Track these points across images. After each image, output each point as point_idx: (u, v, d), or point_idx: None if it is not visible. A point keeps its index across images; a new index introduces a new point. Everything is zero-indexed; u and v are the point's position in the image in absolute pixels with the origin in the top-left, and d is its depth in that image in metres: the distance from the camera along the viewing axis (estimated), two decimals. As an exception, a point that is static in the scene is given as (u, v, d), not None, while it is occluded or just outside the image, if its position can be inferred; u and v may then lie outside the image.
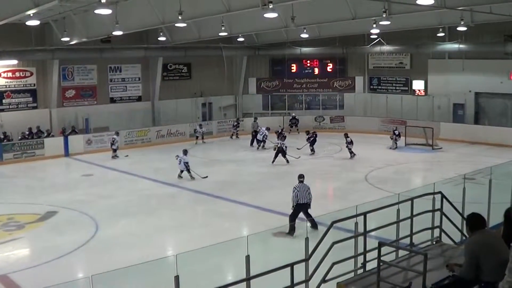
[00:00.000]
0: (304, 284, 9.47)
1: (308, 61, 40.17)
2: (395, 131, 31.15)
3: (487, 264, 6.70)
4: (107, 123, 33.37)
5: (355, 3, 23.08)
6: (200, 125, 34.62)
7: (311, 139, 29.61)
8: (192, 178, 23.54)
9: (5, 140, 28.86)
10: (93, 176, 25.36)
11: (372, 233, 10.90)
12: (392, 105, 37.29)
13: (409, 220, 11.01)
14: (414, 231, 11.05)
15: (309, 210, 15.79)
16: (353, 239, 10.73)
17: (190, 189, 22.35)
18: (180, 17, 20.24)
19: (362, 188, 21.92)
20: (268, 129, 31.81)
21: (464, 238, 11.32)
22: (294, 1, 21.06)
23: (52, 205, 19.71)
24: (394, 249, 10.33)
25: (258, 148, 31.39)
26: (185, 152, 23.90)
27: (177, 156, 23.88)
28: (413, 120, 34.11)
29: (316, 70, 40.26)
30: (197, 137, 34.09)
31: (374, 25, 25.07)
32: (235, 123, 36.12)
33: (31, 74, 31.17)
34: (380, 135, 34.37)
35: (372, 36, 34.24)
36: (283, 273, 8.92)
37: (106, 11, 18.89)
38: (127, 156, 29.45)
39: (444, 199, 11.32)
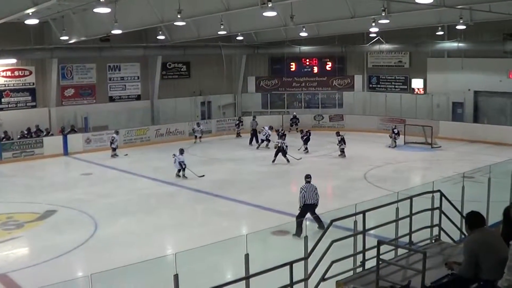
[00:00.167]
0: (303, 283, 9.48)
1: (307, 60, 40.17)
2: (394, 130, 31.15)
3: (486, 263, 6.70)
4: (106, 122, 33.36)
5: (354, 1, 23.09)
6: (198, 124, 34.57)
7: (305, 137, 29.77)
8: (185, 177, 23.52)
9: (4, 139, 28.82)
10: (92, 175, 25.36)
11: (371, 232, 10.90)
12: (391, 104, 37.28)
13: (408, 219, 11.00)
14: (413, 229, 11.06)
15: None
16: (352, 238, 10.74)
17: (189, 188, 22.35)
18: (179, 16, 20.23)
19: (361, 186, 21.93)
20: (271, 128, 31.77)
21: (463, 236, 11.32)
22: (293, 0, 21.07)
23: (51, 204, 19.71)
24: (393, 247, 10.32)
25: (258, 147, 31.34)
26: (182, 151, 23.89)
27: (174, 155, 23.88)
28: (412, 118, 34.09)
29: (315, 69, 40.27)
30: (195, 136, 34.06)
31: (373, 24, 25.10)
32: (238, 122, 36.04)
33: (30, 73, 31.16)
34: (379, 133, 34.38)
35: (371, 35, 34.26)
36: (282, 272, 8.92)
37: (105, 10, 18.88)
38: (126, 155, 29.47)
39: (443, 198, 11.31)
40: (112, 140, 29.36)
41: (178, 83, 37.64)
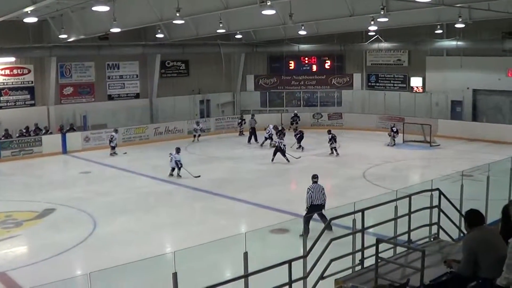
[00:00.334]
0: (302, 281, 9.48)
1: (306, 58, 40.16)
2: (393, 128, 31.16)
3: (485, 261, 6.70)
4: (105, 120, 33.34)
5: (353, 0, 23.09)
6: (198, 122, 34.53)
7: (298, 136, 30.00)
8: (179, 176, 23.50)
9: (2, 138, 28.80)
10: (91, 174, 25.35)
11: (370, 230, 10.91)
12: (390, 102, 37.29)
13: (407, 217, 11.02)
14: (412, 227, 11.07)
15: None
16: (351, 236, 10.75)
17: (188, 186, 22.35)
18: (178, 14, 20.20)
19: (360, 185, 21.94)
20: (275, 127, 31.79)
21: (461, 235, 11.34)
22: (292, -2, 21.11)
23: (50, 203, 19.70)
24: (392, 245, 10.32)
25: (262, 145, 31.30)
26: (178, 150, 23.85)
27: (170, 154, 23.86)
28: (411, 117, 34.10)
29: (314, 67, 40.27)
30: (194, 136, 33.96)
31: (372, 22, 25.07)
32: (240, 120, 35.98)
33: (29, 71, 31.13)
34: (378, 132, 34.40)
35: (370, 33, 34.24)
36: (281, 270, 8.92)
37: (104, 8, 18.92)
38: (125, 153, 29.47)
39: (442, 196, 11.33)
40: (111, 138, 29.35)
41: (177, 81, 37.62)
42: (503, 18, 25.41)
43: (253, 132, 32.80)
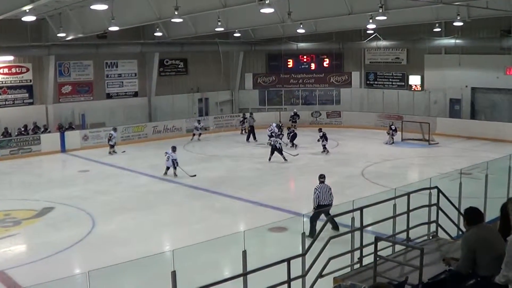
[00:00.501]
0: (300, 279, 9.48)
1: (305, 57, 40.15)
2: (392, 126, 31.19)
3: (483, 259, 6.71)
4: (103, 119, 33.33)
5: (351, -2, 23.12)
6: (199, 121, 34.47)
7: (291, 134, 30.18)
8: (175, 175, 23.45)
9: (1, 137, 28.78)
10: (89, 172, 25.33)
11: (369, 228, 10.92)
12: (388, 100, 37.27)
13: (405, 215, 11.03)
14: (410, 226, 11.08)
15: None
16: (349, 234, 10.76)
17: (187, 184, 22.35)
18: (176, 13, 20.17)
19: (359, 183, 21.97)
20: (278, 126, 31.78)
21: (460, 233, 11.36)
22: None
23: (48, 201, 19.71)
24: (390, 244, 10.34)
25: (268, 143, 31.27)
26: (174, 149, 23.78)
27: (166, 153, 23.82)
28: (410, 115, 34.14)
29: (313, 66, 40.26)
30: (194, 134, 33.84)
31: (371, 20, 25.09)
32: (242, 119, 35.92)
33: (27, 70, 31.09)
34: (377, 130, 34.39)
35: (368, 31, 34.29)
36: (280, 268, 8.93)
37: (102, 7, 18.88)
38: (124, 152, 29.47)
39: (440, 194, 11.34)
40: (110, 137, 29.36)
41: (175, 80, 37.60)
42: (502, 16, 25.44)
43: (251, 131, 32.80)
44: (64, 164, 28.53)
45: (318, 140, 28.21)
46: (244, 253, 9.04)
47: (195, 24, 29.34)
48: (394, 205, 11.17)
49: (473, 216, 7.09)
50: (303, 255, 9.69)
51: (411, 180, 21.58)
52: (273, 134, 30.38)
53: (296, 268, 9.33)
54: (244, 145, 31.78)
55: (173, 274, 8.17)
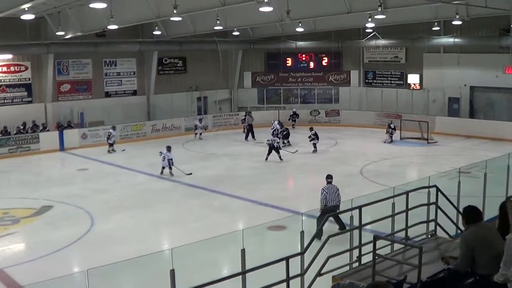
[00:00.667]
0: (299, 278, 9.49)
1: (303, 55, 40.13)
2: (391, 125, 31.19)
3: (482, 257, 6.72)
4: (102, 117, 33.29)
5: (350, -3, 23.12)
6: (200, 120, 34.38)
7: (284, 132, 30.18)
8: (172, 174, 23.39)
9: (0, 135, 28.80)
10: (88, 171, 25.32)
11: (367, 227, 10.93)
12: (387, 99, 37.28)
13: (404, 214, 11.03)
14: (409, 224, 11.08)
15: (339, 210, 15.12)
16: (348, 233, 10.76)
17: (185, 183, 22.34)
18: (175, 11, 20.16)
19: (357, 181, 21.97)
20: (280, 123, 31.66)
21: (459, 231, 11.36)
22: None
23: (47, 200, 19.70)
24: (389, 242, 10.35)
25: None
26: (169, 148, 23.68)
27: (161, 152, 23.76)
28: (408, 114, 34.15)
29: (311, 64, 40.24)
30: (196, 133, 33.77)
31: (370, 19, 25.09)
32: (244, 117, 35.81)
33: (26, 68, 31.06)
34: (376, 129, 34.41)
35: (367, 30, 34.29)
36: (279, 267, 8.94)
37: (101, 5, 18.85)
38: (124, 150, 29.45)
39: (439, 193, 11.34)
40: (109, 135, 29.35)
41: (174, 78, 37.57)
42: (500, 15, 25.40)
43: (250, 129, 32.79)
44: (63, 163, 28.51)
45: (310, 139, 28.09)
46: (243, 251, 9.04)
47: (194, 23, 29.33)
48: (393, 204, 11.18)
49: (471, 214, 7.09)
50: (301, 253, 9.68)
51: (410, 178, 21.57)
52: (275, 132, 30.34)
53: (295, 266, 9.33)
54: (242, 144, 31.77)
55: (172, 272, 8.18)
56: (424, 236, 11.05)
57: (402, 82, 37.34)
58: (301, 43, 37.80)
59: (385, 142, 30.85)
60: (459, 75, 33.67)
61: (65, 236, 15.71)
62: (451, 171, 17.08)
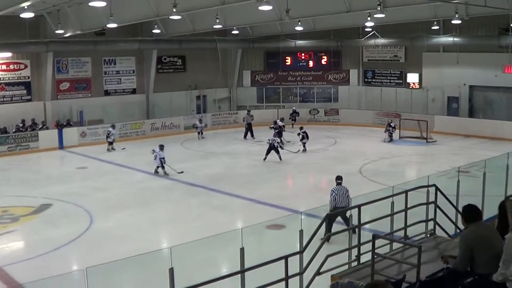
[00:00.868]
0: (298, 277, 9.50)
1: (303, 54, 40.12)
2: (391, 124, 31.19)
3: (481, 257, 6.72)
4: (101, 115, 33.32)
5: (349, -4, 23.12)
6: (200, 120, 34.29)
7: (277, 131, 29.79)
8: (166, 174, 23.36)
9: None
10: (87, 169, 25.31)
11: (366, 226, 10.94)
12: (386, 98, 37.29)
13: (403, 213, 11.03)
14: (408, 223, 11.08)
15: (346, 214, 14.92)
16: (347, 232, 10.76)
17: (184, 182, 22.33)
18: (174, 10, 20.18)
19: (356, 181, 21.89)
20: (282, 119, 31.53)
21: (458, 231, 11.37)
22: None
23: (46, 198, 19.69)
24: (388, 241, 10.36)
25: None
26: (162, 147, 23.59)
27: (153, 151, 23.67)
28: (408, 113, 34.15)
29: (311, 63, 40.23)
30: (198, 133, 33.53)
31: (369, 18, 25.09)
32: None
33: (25, 66, 31.05)
34: (375, 128, 34.40)
35: (366, 29, 34.27)
36: (278, 266, 8.94)
37: (101, 4, 18.85)
38: (123, 148, 29.43)
39: (438, 192, 11.34)
40: (108, 134, 29.34)
41: (173, 77, 37.56)
42: (500, 14, 25.37)
43: (249, 128, 32.77)
44: (62, 161, 28.51)
45: (300, 137, 27.98)
46: (242, 250, 9.04)
47: (193, 21, 29.34)
48: (392, 203, 11.17)
49: (471, 214, 7.09)
50: (300, 252, 9.69)
51: (409, 178, 21.56)
52: (276, 129, 30.16)
53: (294, 265, 9.34)
54: (241, 143, 31.77)
55: (171, 271, 8.18)
56: (423, 235, 11.05)
57: (401, 81, 37.35)
58: (300, 42, 37.77)
59: (384, 141, 30.84)
60: (458, 74, 33.67)
61: (64, 234, 15.70)
62: (450, 170, 17.07)
